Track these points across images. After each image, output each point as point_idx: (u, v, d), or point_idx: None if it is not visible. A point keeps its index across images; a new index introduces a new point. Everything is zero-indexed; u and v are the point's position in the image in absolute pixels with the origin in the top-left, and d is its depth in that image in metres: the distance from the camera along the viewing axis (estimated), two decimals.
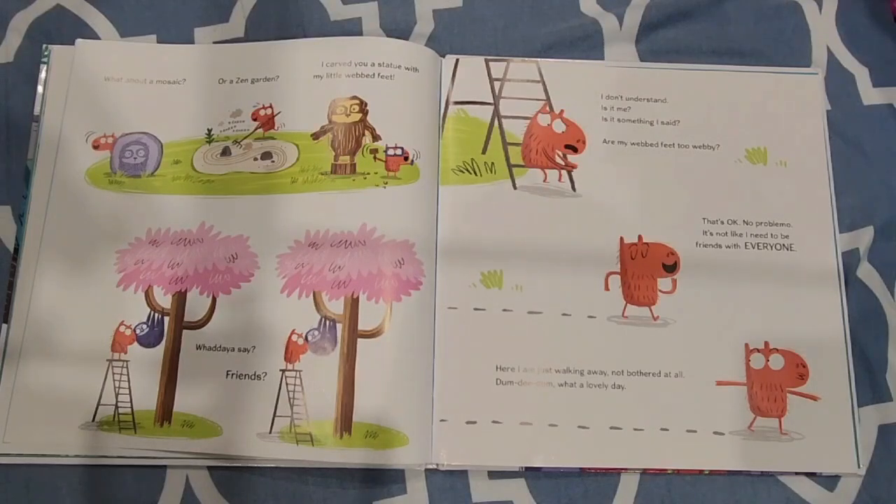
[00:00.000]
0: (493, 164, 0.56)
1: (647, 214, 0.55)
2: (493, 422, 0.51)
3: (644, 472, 0.51)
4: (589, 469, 0.51)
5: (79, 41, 0.58)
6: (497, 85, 0.58)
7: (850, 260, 0.55)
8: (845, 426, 0.52)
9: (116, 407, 0.50)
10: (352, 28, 0.59)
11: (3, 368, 0.51)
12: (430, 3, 0.60)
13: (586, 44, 0.60)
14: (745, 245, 0.55)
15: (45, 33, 0.58)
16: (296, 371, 0.50)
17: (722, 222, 0.55)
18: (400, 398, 0.50)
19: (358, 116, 0.55)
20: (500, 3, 0.60)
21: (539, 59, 0.58)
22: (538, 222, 0.55)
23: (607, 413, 0.51)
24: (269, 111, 0.56)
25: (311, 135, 0.55)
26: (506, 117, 0.57)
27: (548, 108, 0.57)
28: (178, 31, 0.59)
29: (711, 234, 0.55)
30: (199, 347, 0.51)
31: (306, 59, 0.57)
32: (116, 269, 0.53)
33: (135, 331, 0.52)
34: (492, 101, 0.57)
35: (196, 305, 0.52)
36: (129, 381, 0.51)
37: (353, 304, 0.51)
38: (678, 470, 0.51)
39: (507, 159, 0.56)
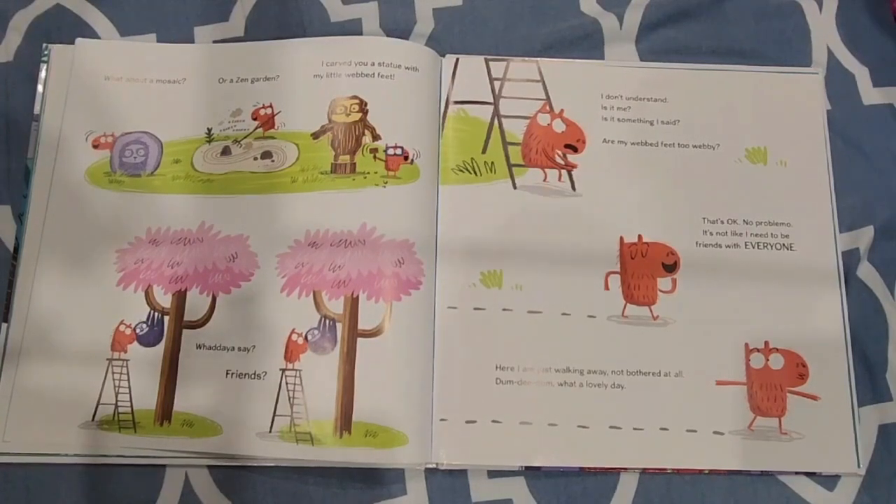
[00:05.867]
0: (493, 163, 0.56)
1: (647, 214, 0.55)
2: (493, 421, 0.51)
3: (644, 471, 0.51)
4: (589, 469, 0.51)
5: (79, 40, 0.58)
6: (497, 84, 0.58)
7: (850, 260, 0.55)
8: (845, 426, 0.52)
9: (116, 406, 0.50)
10: (352, 28, 0.59)
11: (2, 368, 0.51)
12: (430, 3, 0.60)
13: (586, 43, 0.60)
14: (745, 245, 0.55)
15: (45, 32, 0.58)
16: (296, 370, 0.50)
17: (722, 222, 0.55)
18: (400, 397, 0.50)
19: (358, 116, 0.55)
20: (500, 2, 0.60)
21: (539, 59, 0.58)
22: (538, 222, 0.55)
23: (607, 413, 0.51)
24: (269, 111, 0.56)
25: (311, 134, 0.55)
26: (506, 117, 0.57)
27: (548, 108, 0.57)
28: (178, 31, 0.59)
29: (711, 233, 0.55)
30: (198, 347, 0.51)
31: (306, 59, 0.57)
32: (116, 269, 0.53)
33: (135, 330, 0.52)
34: (492, 100, 0.57)
35: (196, 305, 0.52)
36: (128, 380, 0.51)
37: (353, 304, 0.51)
38: (678, 469, 0.51)
39: (507, 159, 0.56)
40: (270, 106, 0.56)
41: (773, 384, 0.52)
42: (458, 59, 0.58)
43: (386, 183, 0.54)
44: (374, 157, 0.54)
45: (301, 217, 0.53)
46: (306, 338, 0.51)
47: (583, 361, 0.52)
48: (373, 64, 0.56)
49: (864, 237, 0.56)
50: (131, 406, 0.50)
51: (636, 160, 0.57)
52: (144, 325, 0.52)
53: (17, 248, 0.53)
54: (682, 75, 0.59)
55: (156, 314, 0.52)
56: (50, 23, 0.59)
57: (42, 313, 0.52)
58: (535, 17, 0.60)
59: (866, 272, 0.55)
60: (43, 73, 0.57)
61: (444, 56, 0.58)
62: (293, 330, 0.51)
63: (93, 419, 0.50)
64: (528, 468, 0.51)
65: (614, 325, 0.53)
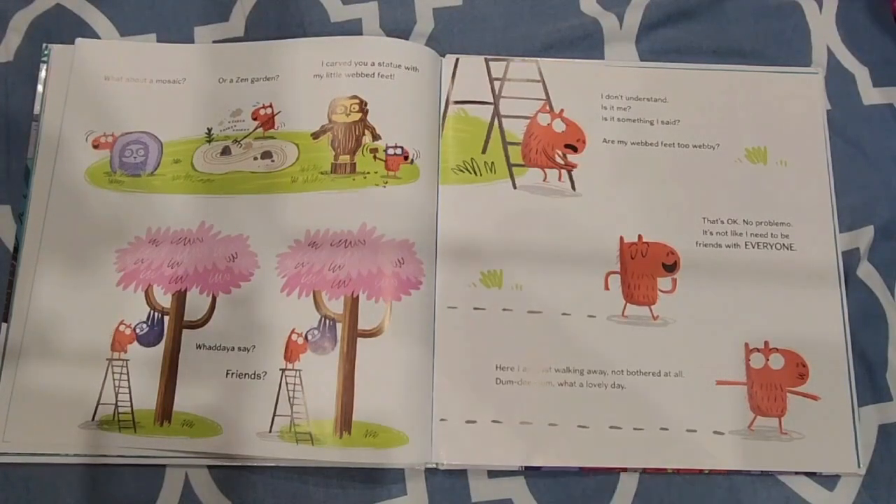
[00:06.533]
0: (492, 163, 0.56)
1: (647, 214, 0.55)
2: (493, 421, 0.51)
3: (644, 471, 0.51)
4: (589, 469, 0.51)
5: (79, 40, 0.58)
6: (497, 84, 0.58)
7: (850, 260, 0.55)
8: (845, 426, 0.52)
9: (116, 406, 0.50)
10: (352, 28, 0.59)
11: (3, 368, 0.51)
12: (430, 3, 0.60)
13: (586, 43, 0.60)
14: (745, 245, 0.55)
15: (45, 32, 0.58)
16: (296, 370, 0.50)
17: (722, 222, 0.55)
18: (400, 397, 0.50)
19: (358, 116, 0.55)
20: (500, 2, 0.60)
21: (539, 59, 0.58)
22: (538, 222, 0.55)
23: (607, 413, 0.51)
24: (269, 110, 0.56)
25: (311, 134, 0.55)
26: (506, 117, 0.57)
27: (548, 108, 0.57)
28: (178, 31, 0.59)
29: (711, 233, 0.55)
30: (198, 347, 0.51)
31: (306, 59, 0.57)
32: (116, 269, 0.53)
33: (135, 330, 0.52)
34: (492, 100, 0.57)
35: (196, 305, 0.52)
36: (128, 380, 0.51)
37: (353, 304, 0.51)
38: (678, 469, 0.51)
39: (507, 159, 0.56)
40: (270, 106, 0.56)
41: (773, 384, 0.52)
42: (458, 59, 0.58)
43: (386, 183, 0.54)
44: (374, 156, 0.54)
45: (301, 217, 0.53)
46: (306, 338, 0.51)
47: (583, 361, 0.52)
48: (373, 64, 0.56)
49: (864, 237, 0.56)
50: (131, 406, 0.50)
51: (636, 160, 0.57)
52: (144, 325, 0.52)
53: (17, 248, 0.53)
54: (682, 75, 0.59)
55: (156, 314, 0.52)
56: (50, 23, 0.59)
57: (42, 313, 0.52)
58: (535, 16, 0.60)
59: (866, 272, 0.55)
60: (43, 73, 0.57)
61: (444, 56, 0.58)
62: (293, 330, 0.51)
63: (93, 419, 0.50)
64: (528, 468, 0.51)
65: (614, 325, 0.53)
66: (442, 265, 0.53)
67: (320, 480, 0.51)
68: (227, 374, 0.51)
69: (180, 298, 0.52)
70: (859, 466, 0.51)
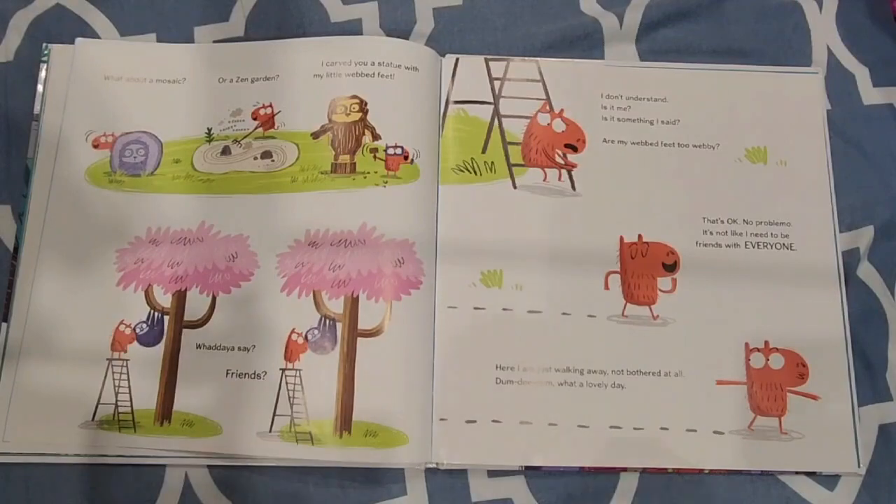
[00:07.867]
0: (492, 163, 0.56)
1: (647, 214, 0.55)
2: (493, 421, 0.51)
3: (644, 471, 0.51)
4: (589, 469, 0.51)
5: (79, 40, 0.58)
6: (497, 84, 0.58)
7: (850, 259, 0.55)
8: (845, 426, 0.52)
9: (116, 406, 0.50)
10: (352, 28, 0.59)
11: (2, 368, 0.51)
12: (430, 3, 0.60)
13: (586, 43, 0.60)
14: (745, 244, 0.55)
15: (45, 32, 0.58)
16: (296, 370, 0.50)
17: (722, 222, 0.55)
18: (400, 397, 0.50)
19: (358, 116, 0.55)
20: (500, 2, 0.60)
21: (539, 59, 0.58)
22: (538, 222, 0.55)
23: (607, 412, 0.51)
24: (269, 110, 0.56)
25: (311, 134, 0.55)
26: (506, 116, 0.57)
27: (548, 108, 0.57)
28: (178, 30, 0.59)
29: (711, 233, 0.55)
30: (198, 346, 0.51)
31: (306, 59, 0.57)
32: (116, 269, 0.53)
33: (135, 330, 0.52)
34: (492, 100, 0.57)
35: (196, 304, 0.52)
36: (128, 380, 0.51)
37: (353, 304, 0.51)
38: (678, 469, 0.51)
39: (507, 158, 0.56)
40: (270, 106, 0.56)
41: (773, 384, 0.52)
42: (458, 59, 0.58)
43: (386, 183, 0.54)
44: (374, 156, 0.54)
45: (301, 217, 0.53)
46: (306, 337, 0.51)
47: (583, 361, 0.52)
48: (373, 64, 0.56)
49: (864, 237, 0.56)
50: (131, 406, 0.50)
51: (636, 160, 0.57)
52: (144, 325, 0.52)
53: (17, 248, 0.53)
54: (682, 75, 0.59)
55: (156, 314, 0.52)
56: (50, 23, 0.59)
57: (42, 313, 0.52)
58: (535, 16, 0.60)
59: (866, 272, 0.55)
60: (43, 73, 0.57)
61: (444, 56, 0.58)
62: (293, 330, 0.51)
63: (93, 419, 0.50)
64: (528, 468, 0.51)
65: (614, 325, 0.53)
66: (442, 265, 0.53)
67: (320, 480, 0.51)
68: (227, 373, 0.51)
69: (180, 298, 0.52)
70: (859, 466, 0.51)
